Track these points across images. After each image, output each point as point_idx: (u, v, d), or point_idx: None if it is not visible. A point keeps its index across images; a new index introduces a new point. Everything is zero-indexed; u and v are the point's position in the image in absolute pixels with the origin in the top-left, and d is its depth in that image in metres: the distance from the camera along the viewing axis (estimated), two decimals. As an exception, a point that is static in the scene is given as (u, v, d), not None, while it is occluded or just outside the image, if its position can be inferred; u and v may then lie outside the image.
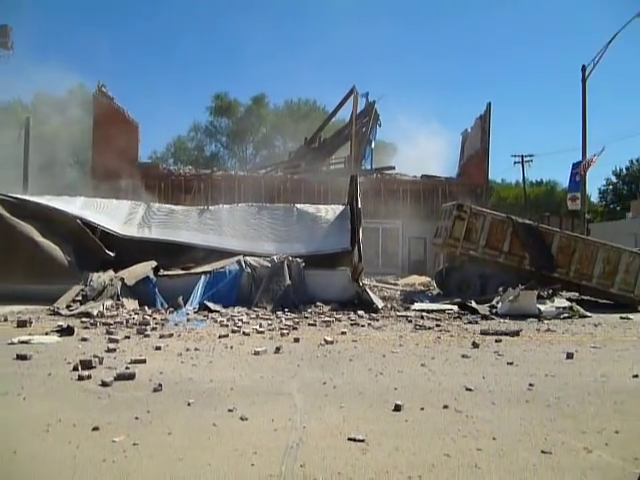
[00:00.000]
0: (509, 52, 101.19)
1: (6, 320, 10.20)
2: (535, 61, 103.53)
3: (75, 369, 6.37)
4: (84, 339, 8.48)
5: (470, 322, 11.66)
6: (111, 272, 12.97)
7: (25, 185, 23.46)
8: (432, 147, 51.49)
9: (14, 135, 28.09)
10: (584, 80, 23.59)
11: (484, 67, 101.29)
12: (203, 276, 13.01)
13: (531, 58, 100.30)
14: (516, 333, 10.06)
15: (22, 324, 9.53)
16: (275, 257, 13.74)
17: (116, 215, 15.28)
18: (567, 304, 13.81)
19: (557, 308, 13.23)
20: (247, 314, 11.74)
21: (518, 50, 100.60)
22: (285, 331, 9.74)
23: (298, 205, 16.76)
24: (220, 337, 9.03)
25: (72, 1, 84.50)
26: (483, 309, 13.01)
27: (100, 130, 25.74)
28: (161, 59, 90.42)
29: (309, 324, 10.85)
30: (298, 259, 13.80)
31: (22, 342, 7.98)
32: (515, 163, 46.57)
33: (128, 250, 13.97)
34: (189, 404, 5.19)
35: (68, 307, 11.61)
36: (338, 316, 11.79)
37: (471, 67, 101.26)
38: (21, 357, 6.93)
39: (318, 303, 13.08)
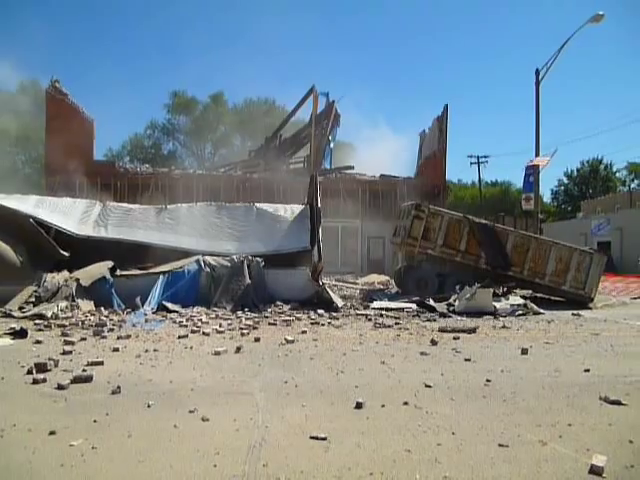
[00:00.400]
0: (466, 54, 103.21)
1: (-46, 323, 9.84)
2: (491, 65, 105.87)
3: (29, 372, 6.20)
4: (38, 341, 8.25)
5: (428, 320, 11.85)
6: (66, 273, 12.63)
7: (-26, 183, 22.64)
8: (390, 147, 52.03)
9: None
10: (537, 83, 24.18)
11: (441, 69, 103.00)
12: (161, 276, 12.82)
13: (487, 61, 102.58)
14: (473, 330, 10.27)
15: (-28, 327, 9.21)
16: (235, 256, 13.65)
17: (71, 214, 14.89)
18: (521, 302, 14.15)
19: (512, 305, 13.55)
20: (206, 314, 11.63)
21: (475, 53, 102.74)
22: (245, 331, 9.69)
23: (258, 204, 16.69)
24: (179, 337, 8.92)
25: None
26: (441, 307, 13.22)
27: (54, 127, 25.05)
28: (117, 56, 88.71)
29: (269, 323, 10.82)
30: (258, 258, 13.74)
31: (-28, 345, 7.73)
32: (471, 164, 47.63)
33: (83, 250, 13.62)
34: (149, 406, 5.13)
35: (20, 309, 11.24)
36: (298, 315, 11.79)
37: (429, 69, 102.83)
38: (-29, 361, 6.71)
39: (278, 302, 13.07)
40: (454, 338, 9.46)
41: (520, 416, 5.06)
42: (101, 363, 6.78)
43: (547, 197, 68.90)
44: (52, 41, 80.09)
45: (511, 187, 65.85)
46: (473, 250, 15.93)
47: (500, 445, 4.28)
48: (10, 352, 7.50)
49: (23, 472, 3.65)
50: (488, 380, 6.35)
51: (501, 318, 12.38)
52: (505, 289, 15.75)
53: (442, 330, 10.32)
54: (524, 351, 8.18)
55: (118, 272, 12.96)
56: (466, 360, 7.60)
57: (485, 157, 47.22)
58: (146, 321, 10.68)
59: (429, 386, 6.04)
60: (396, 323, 11.20)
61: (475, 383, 6.26)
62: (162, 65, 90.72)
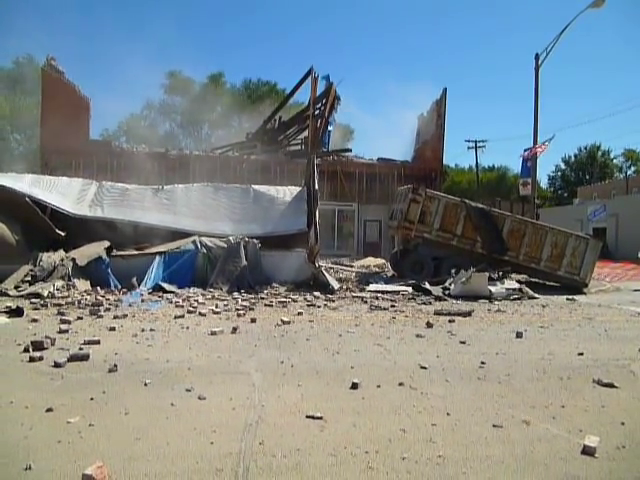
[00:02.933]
0: (465, 38, 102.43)
1: (-50, 301, 9.83)
2: (490, 49, 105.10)
3: (26, 350, 6.22)
4: (34, 320, 8.27)
5: (424, 303, 11.89)
6: (62, 252, 12.61)
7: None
8: (388, 131, 51.83)
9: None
10: (537, 68, 24.05)
11: (440, 53, 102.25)
12: (158, 256, 12.81)
13: (487, 45, 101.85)
14: (468, 314, 10.32)
15: (-32, 305, 9.22)
16: (231, 238, 13.64)
17: (67, 193, 14.82)
18: (516, 286, 14.20)
19: (507, 290, 13.60)
20: (203, 295, 11.65)
21: (474, 37, 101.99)
22: (241, 311, 9.72)
23: (255, 186, 16.64)
24: (176, 318, 8.94)
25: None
26: (436, 290, 13.26)
27: (49, 105, 24.81)
28: (114, 35, 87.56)
29: (265, 305, 10.85)
30: (254, 240, 13.73)
31: (-32, 323, 7.74)
32: (469, 148, 47.44)
33: (80, 229, 13.60)
34: (146, 384, 5.15)
35: (16, 288, 11.22)
36: (294, 297, 11.82)
37: (428, 53, 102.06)
38: (-32, 338, 6.72)
39: (274, 284, 13.11)
40: (449, 321, 9.52)
41: (514, 397, 5.10)
42: (98, 342, 6.80)
43: (544, 183, 69.02)
44: (48, 17, 78.93)
45: (508, 172, 65.78)
46: (469, 234, 15.95)
47: (494, 425, 4.33)
48: (6, 330, 7.51)
49: (20, 448, 3.67)
50: (483, 362, 6.40)
51: (496, 302, 12.44)
52: (501, 273, 15.80)
53: (437, 313, 10.37)
54: (519, 334, 8.23)
55: (114, 252, 12.95)
56: (461, 343, 7.65)
57: (482, 142, 47.02)
58: (142, 301, 10.69)
59: (424, 367, 6.08)
60: (392, 306, 11.24)
61: (470, 365, 6.31)
62: (160, 44, 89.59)
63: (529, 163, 24.77)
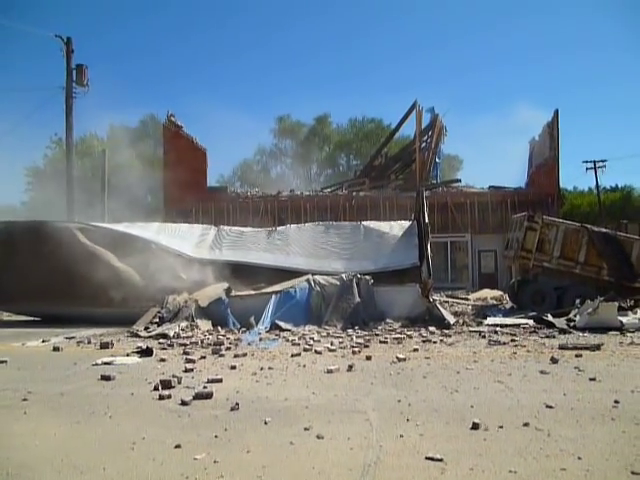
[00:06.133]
0: (578, 53, 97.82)
1: (89, 342, 10.69)
2: (605, 62, 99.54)
3: (156, 389, 6.60)
4: (162, 359, 8.77)
5: (547, 336, 11.27)
6: (185, 294, 13.38)
7: (103, 213, 24.59)
8: (499, 158, 50.46)
9: (91, 167, 29.52)
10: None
11: (551, 72, 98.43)
12: (273, 296, 13.19)
13: (601, 58, 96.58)
14: (597, 347, 9.64)
15: (104, 346, 9.98)
16: (344, 275, 13.78)
17: (188, 238, 15.79)
18: (651, 316, 13.12)
19: (640, 320, 12.59)
20: (318, 332, 11.81)
21: (587, 51, 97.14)
22: (356, 349, 9.72)
23: (364, 222, 16.79)
24: (292, 356, 9.12)
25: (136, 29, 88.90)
26: (560, 323, 12.54)
27: (170, 157, 26.79)
28: (225, 84, 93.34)
29: (380, 341, 10.78)
30: (367, 276, 13.78)
31: (105, 363, 8.37)
32: (587, 169, 44.80)
33: (200, 272, 14.36)
34: (266, 422, 5.28)
35: (146, 329, 12.04)
36: (409, 333, 11.67)
37: (538, 72, 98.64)
38: (105, 378, 7.25)
39: (388, 320, 13.00)
40: (576, 356, 8.93)
41: (655, 441, 4.67)
42: (220, 380, 7.08)
43: (678, 201, 63.45)
44: (162, 73, 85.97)
45: (634, 192, 61.25)
46: (593, 261, 15.03)
47: (633, 472, 3.97)
48: (138, 369, 8.04)
49: (152, 483, 3.89)
50: (616, 401, 5.92)
51: (629, 334, 11.52)
52: (632, 302, 14.67)
53: (563, 347, 9.78)
54: (657, 370, 7.56)
55: (233, 293, 13.52)
56: (591, 379, 7.14)
57: (602, 161, 44.26)
58: (260, 340, 11.03)
59: (551, 407, 5.73)
60: (512, 340, 10.76)
61: (602, 404, 5.86)
62: (269, 91, 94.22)
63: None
